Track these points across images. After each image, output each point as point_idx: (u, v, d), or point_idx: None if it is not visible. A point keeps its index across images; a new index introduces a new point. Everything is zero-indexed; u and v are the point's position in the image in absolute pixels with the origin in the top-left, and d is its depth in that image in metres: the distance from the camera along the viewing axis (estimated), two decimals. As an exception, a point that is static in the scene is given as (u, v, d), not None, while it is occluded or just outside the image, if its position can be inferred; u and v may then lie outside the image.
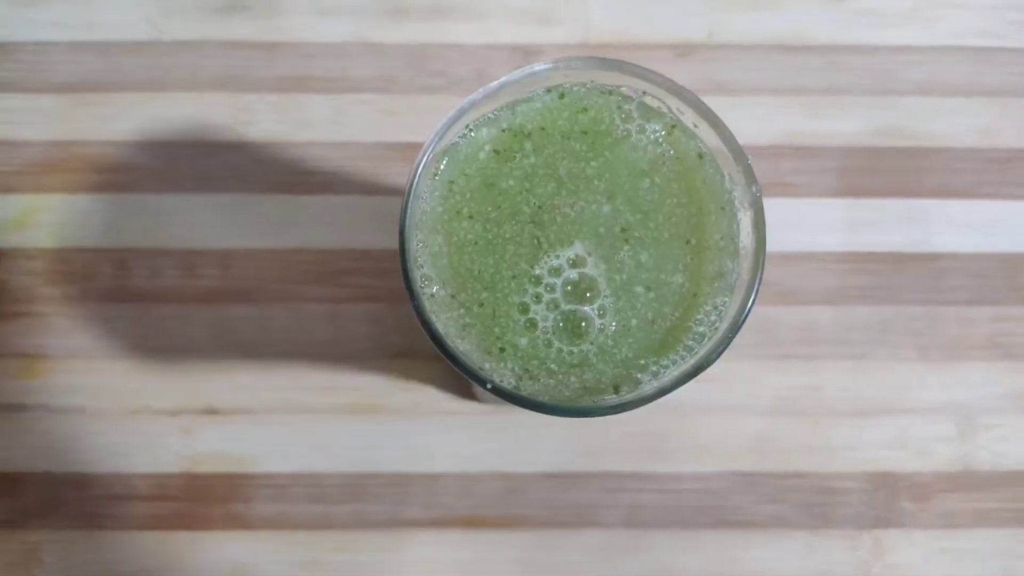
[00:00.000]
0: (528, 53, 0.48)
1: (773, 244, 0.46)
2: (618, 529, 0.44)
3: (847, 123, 0.47)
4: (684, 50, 0.48)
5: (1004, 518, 0.44)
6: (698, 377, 0.30)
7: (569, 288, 0.31)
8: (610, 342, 0.31)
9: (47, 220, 0.46)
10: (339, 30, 0.48)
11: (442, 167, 0.32)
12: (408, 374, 0.45)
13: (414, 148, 0.47)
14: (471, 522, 0.44)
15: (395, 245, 0.45)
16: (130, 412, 0.45)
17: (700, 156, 0.32)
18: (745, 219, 0.31)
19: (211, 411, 0.45)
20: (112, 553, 0.44)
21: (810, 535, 0.44)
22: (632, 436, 0.45)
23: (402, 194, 0.46)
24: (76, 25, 0.48)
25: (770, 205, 0.46)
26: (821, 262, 0.46)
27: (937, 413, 0.45)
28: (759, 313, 0.45)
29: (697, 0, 0.48)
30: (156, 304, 0.45)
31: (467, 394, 0.45)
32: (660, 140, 0.32)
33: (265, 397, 0.45)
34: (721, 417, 0.45)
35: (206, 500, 0.44)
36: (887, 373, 0.45)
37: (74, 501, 0.44)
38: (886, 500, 0.44)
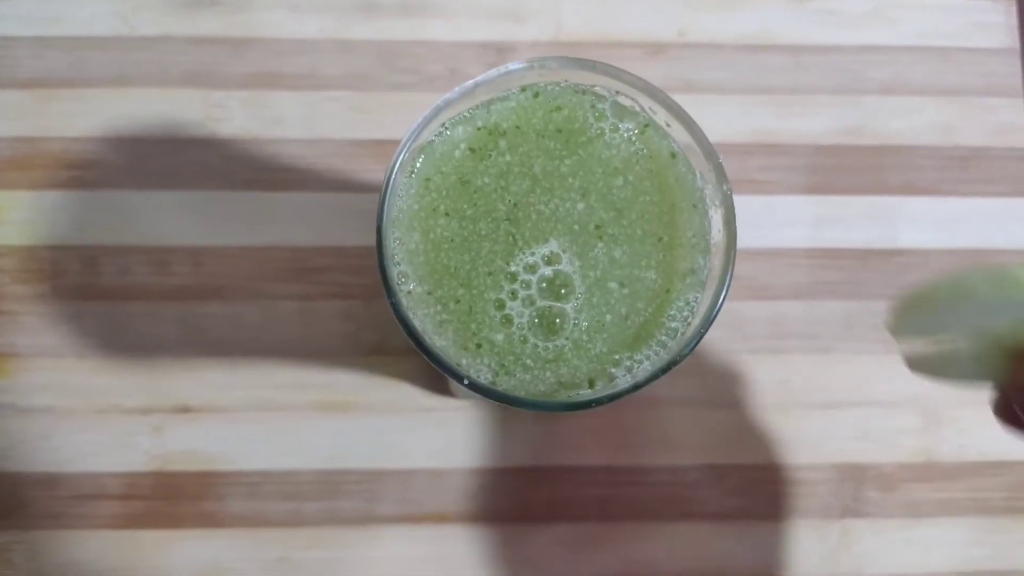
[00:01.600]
0: (500, 50, 0.48)
1: (742, 240, 0.46)
2: (588, 522, 0.45)
3: (813, 121, 0.48)
4: (654, 49, 0.48)
5: (967, 507, 0.45)
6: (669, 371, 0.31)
7: (544, 285, 0.31)
8: (584, 337, 0.31)
9: (14, 217, 0.45)
10: (310, 27, 0.48)
11: (418, 165, 0.32)
12: (381, 370, 0.45)
13: (386, 145, 0.47)
14: (443, 517, 0.44)
15: (368, 242, 0.46)
16: (100, 411, 0.44)
17: (673, 155, 0.32)
18: (716, 216, 0.32)
19: (182, 409, 0.45)
20: (83, 553, 0.43)
21: (779, 526, 0.45)
22: (602, 430, 0.45)
23: (374, 191, 0.47)
24: (42, 20, 0.47)
25: (739, 202, 0.46)
26: (789, 258, 0.47)
27: (902, 405, 0.46)
28: (729, 308, 0.46)
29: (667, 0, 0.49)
30: (126, 302, 0.45)
31: (440, 390, 0.45)
32: (633, 139, 0.32)
33: (237, 395, 0.45)
34: (691, 410, 0.46)
35: (177, 499, 0.44)
36: (853, 366, 0.46)
37: (43, 501, 0.44)
38: (853, 491, 0.45)
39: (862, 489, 0.45)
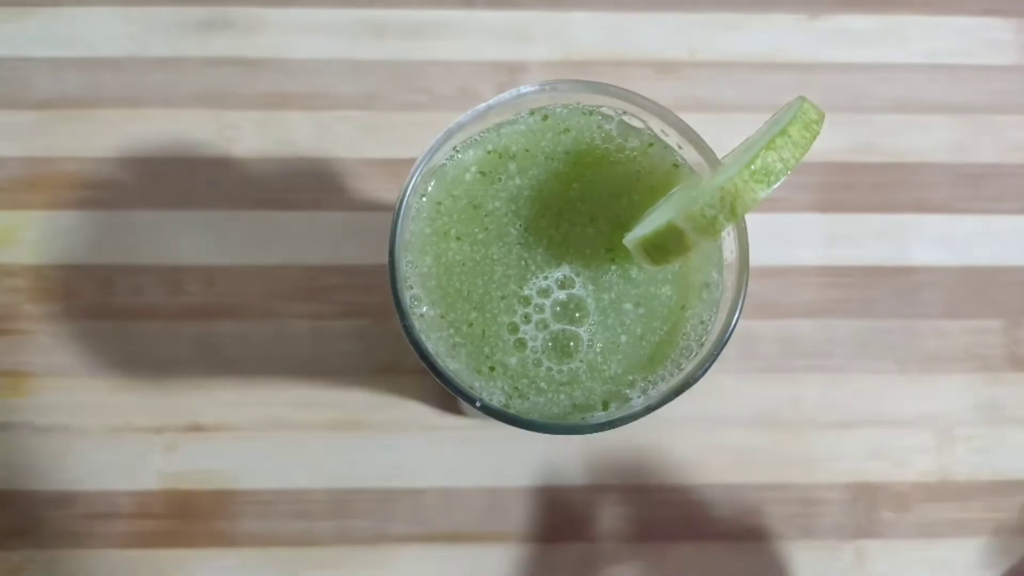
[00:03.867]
0: (511, 70, 0.48)
1: (753, 258, 0.46)
2: (601, 542, 0.45)
3: (824, 140, 0.48)
4: (664, 68, 0.49)
5: (982, 528, 0.45)
6: (681, 391, 0.31)
7: (558, 309, 0.31)
8: (599, 359, 0.31)
9: (29, 237, 0.46)
10: (322, 47, 0.48)
11: (430, 188, 0.32)
12: (392, 389, 0.45)
13: (397, 164, 0.47)
14: (455, 537, 0.44)
15: (379, 261, 0.46)
16: (114, 429, 0.45)
17: (675, 165, 0.32)
18: (728, 232, 0.32)
19: (195, 428, 0.45)
20: (97, 572, 0.43)
21: (792, 546, 0.45)
22: (614, 450, 0.45)
23: (386, 210, 0.47)
24: (57, 41, 0.48)
25: (750, 220, 0.46)
26: (800, 276, 0.47)
27: (915, 424, 0.46)
28: (740, 326, 0.46)
29: (677, 19, 0.49)
30: (140, 321, 0.45)
31: (452, 409, 0.45)
32: (636, 157, 0.32)
33: (249, 413, 0.45)
34: (703, 430, 0.46)
35: (190, 517, 0.44)
36: (865, 385, 0.46)
37: (58, 520, 0.44)
38: (866, 510, 0.45)
39: (876, 509, 0.45)
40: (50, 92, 0.47)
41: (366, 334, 0.46)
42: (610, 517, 0.45)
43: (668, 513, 0.45)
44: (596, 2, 0.49)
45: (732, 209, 0.26)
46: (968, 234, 0.48)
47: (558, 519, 0.45)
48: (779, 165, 0.26)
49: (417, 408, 0.45)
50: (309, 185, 0.47)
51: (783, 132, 0.26)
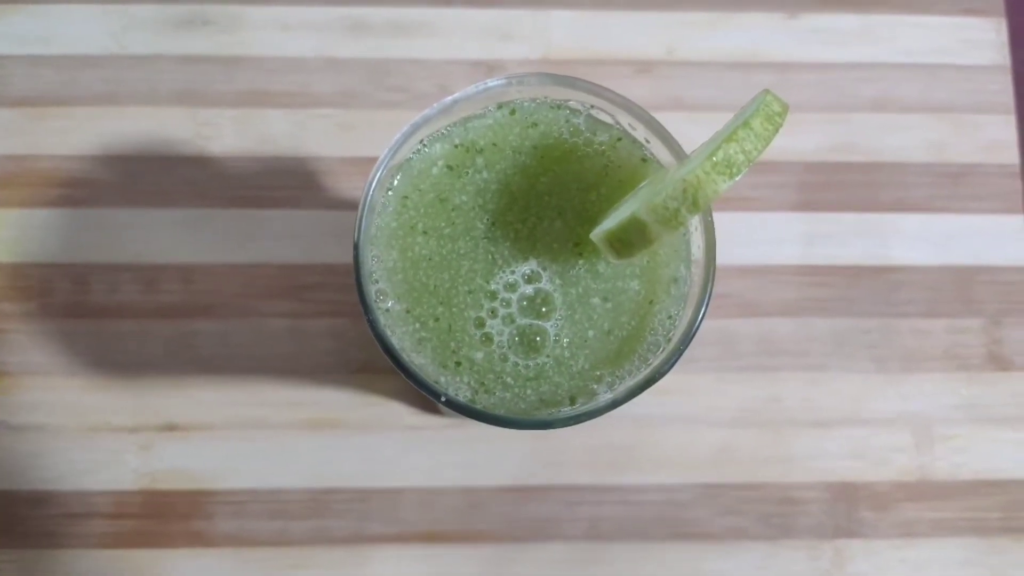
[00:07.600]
0: (490, 68, 0.48)
1: (732, 257, 0.46)
2: (579, 542, 0.44)
3: (803, 139, 0.48)
4: (643, 66, 0.48)
5: (961, 527, 0.45)
6: (660, 389, 0.30)
7: (525, 303, 0.31)
8: (567, 354, 0.31)
9: (3, 235, 0.46)
10: (300, 45, 0.48)
11: (396, 182, 0.32)
12: (369, 388, 0.45)
13: (374, 163, 0.47)
14: (432, 537, 0.44)
15: (356, 260, 0.46)
16: (89, 429, 0.44)
17: (644, 160, 0.32)
18: (696, 227, 0.32)
19: (170, 427, 0.44)
20: (74, 572, 0.43)
21: (770, 546, 0.45)
22: (593, 449, 0.45)
23: (362, 209, 0.47)
24: (34, 39, 0.48)
25: (729, 219, 0.47)
26: (779, 275, 0.47)
27: (894, 424, 0.46)
28: (719, 325, 0.46)
29: (656, 18, 0.49)
30: (115, 320, 0.45)
31: (429, 408, 0.45)
32: (604, 151, 0.32)
33: (225, 413, 0.45)
34: (682, 429, 0.45)
35: (166, 517, 0.44)
36: (845, 384, 0.46)
37: (34, 519, 0.44)
38: (846, 510, 0.45)
39: (855, 509, 0.45)
40: (27, 89, 0.47)
41: (344, 333, 0.46)
42: (588, 516, 0.44)
43: (646, 513, 0.45)
44: (575, 1, 0.49)
45: (694, 201, 0.26)
46: (947, 233, 0.47)
47: (536, 518, 0.44)
48: (741, 157, 0.26)
49: (394, 407, 0.45)
50: (287, 183, 0.47)
51: (745, 124, 0.26)
